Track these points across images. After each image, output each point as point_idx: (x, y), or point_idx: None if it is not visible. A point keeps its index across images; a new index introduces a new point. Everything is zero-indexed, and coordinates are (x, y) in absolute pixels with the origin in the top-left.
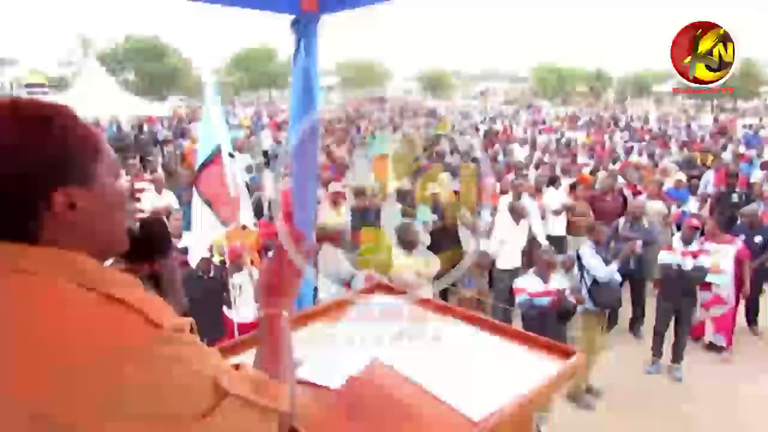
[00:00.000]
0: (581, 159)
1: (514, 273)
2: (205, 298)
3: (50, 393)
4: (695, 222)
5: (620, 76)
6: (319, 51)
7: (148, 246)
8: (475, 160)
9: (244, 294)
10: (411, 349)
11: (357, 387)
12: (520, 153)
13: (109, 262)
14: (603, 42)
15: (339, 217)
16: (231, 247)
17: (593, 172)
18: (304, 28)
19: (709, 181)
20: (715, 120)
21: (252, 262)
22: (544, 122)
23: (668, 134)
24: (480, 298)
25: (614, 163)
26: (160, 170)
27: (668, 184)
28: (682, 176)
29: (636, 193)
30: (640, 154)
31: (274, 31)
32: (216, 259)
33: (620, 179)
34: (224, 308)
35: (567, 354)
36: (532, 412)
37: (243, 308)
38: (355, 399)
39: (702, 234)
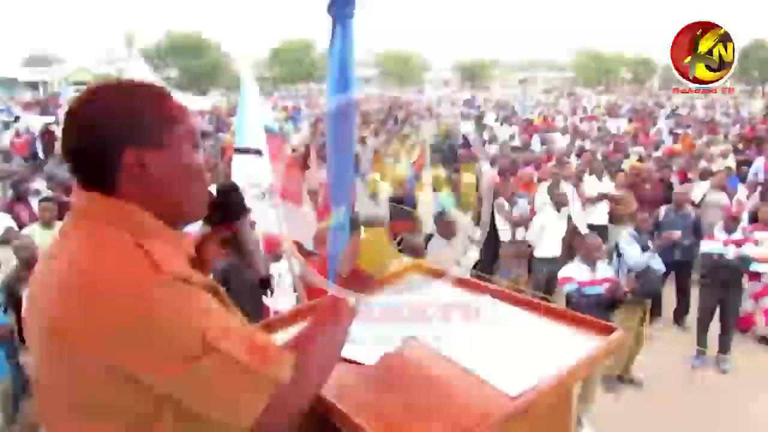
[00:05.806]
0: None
1: (552, 262)
2: (244, 286)
3: (69, 314)
4: (734, 210)
5: (665, 62)
6: (356, 37)
7: (226, 210)
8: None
9: (282, 284)
10: (448, 327)
11: (392, 363)
12: (561, 141)
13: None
14: (647, 26)
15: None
16: (266, 238)
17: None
18: (341, 11)
19: (759, 169)
20: (766, 106)
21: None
22: (585, 110)
23: (716, 120)
24: (517, 287)
25: (657, 149)
26: None
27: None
28: (732, 163)
29: (684, 181)
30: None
31: (312, 25)
32: None
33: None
34: (263, 297)
35: (607, 331)
36: (570, 388)
37: (281, 297)
38: (390, 374)
39: (753, 221)
